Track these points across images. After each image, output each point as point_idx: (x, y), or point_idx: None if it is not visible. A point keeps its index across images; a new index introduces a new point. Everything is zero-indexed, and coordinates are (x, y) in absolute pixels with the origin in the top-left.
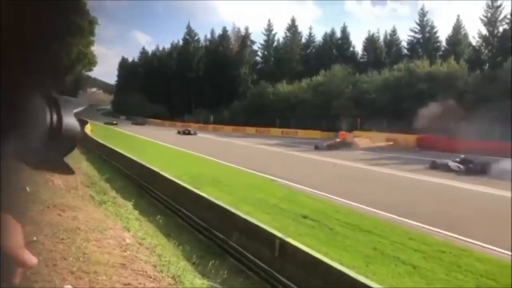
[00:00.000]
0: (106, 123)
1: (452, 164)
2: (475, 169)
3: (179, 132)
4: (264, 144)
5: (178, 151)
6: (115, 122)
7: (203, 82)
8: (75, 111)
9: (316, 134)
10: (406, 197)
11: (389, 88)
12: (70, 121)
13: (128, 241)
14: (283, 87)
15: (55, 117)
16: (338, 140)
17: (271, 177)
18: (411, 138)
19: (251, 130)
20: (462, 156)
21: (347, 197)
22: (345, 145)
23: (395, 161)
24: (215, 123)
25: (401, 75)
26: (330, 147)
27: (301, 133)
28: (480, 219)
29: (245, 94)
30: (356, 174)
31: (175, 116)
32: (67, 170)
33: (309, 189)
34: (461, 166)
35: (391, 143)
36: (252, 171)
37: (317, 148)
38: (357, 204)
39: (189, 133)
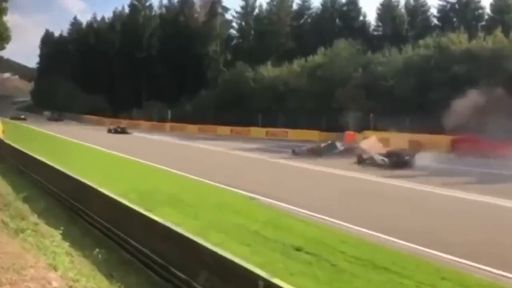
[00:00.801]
0: (12, 118)
1: (377, 157)
2: (399, 162)
3: (109, 131)
4: (241, 150)
5: (121, 159)
6: (22, 116)
7: (157, 64)
8: None
9: (313, 135)
10: (437, 221)
11: (413, 71)
12: None
13: (55, 284)
14: (268, 70)
15: None
16: (324, 144)
17: (251, 194)
18: (443, 140)
19: (224, 130)
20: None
21: (356, 222)
22: (345, 150)
23: (422, 171)
24: (175, 120)
25: (430, 53)
26: (313, 152)
27: (292, 134)
28: None
29: (216, 80)
30: (369, 189)
31: (119, 111)
32: None
33: (302, 210)
34: (386, 160)
35: (418, 147)
36: (226, 187)
37: (294, 153)
38: (370, 231)
39: (123, 132)
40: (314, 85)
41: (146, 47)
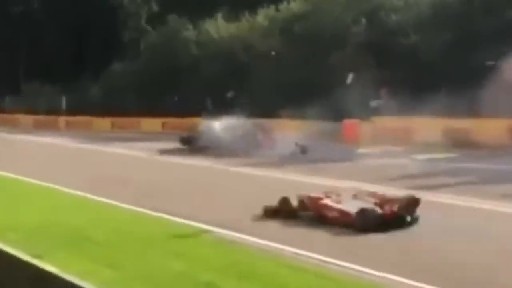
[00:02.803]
0: None
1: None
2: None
3: None
4: (185, 155)
5: None
6: None
7: (41, 24)
8: None
9: (293, 125)
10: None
11: (445, 18)
12: None
13: None
14: (218, 27)
15: None
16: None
17: (202, 226)
18: (496, 127)
19: (152, 124)
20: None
21: (371, 264)
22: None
23: (462, 177)
24: (74, 112)
25: None
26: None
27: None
28: None
29: (137, 46)
30: None
31: None
32: None
33: (287, 248)
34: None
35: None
36: (161, 214)
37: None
38: (386, 275)
39: None
40: (292, 48)
41: None
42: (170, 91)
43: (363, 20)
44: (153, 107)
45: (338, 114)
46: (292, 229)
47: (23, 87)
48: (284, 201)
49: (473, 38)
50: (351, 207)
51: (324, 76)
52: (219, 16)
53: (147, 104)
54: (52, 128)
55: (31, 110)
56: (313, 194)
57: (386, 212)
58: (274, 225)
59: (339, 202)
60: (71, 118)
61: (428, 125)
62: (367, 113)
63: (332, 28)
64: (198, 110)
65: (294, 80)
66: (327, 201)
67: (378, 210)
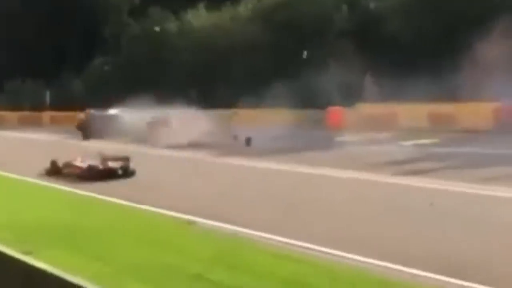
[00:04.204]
0: None
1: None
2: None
3: None
4: (163, 148)
5: None
6: None
7: (21, 21)
8: None
9: (281, 114)
10: None
11: (429, 4)
12: None
13: None
14: (200, 18)
15: None
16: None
17: (188, 216)
18: (479, 111)
19: None
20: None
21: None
22: None
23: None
24: (57, 107)
25: None
26: None
27: (250, 115)
28: None
29: (117, 39)
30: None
31: None
32: None
33: (272, 236)
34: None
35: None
36: (147, 207)
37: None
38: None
39: None
40: (274, 36)
41: None
42: (153, 83)
43: (344, 7)
44: (136, 98)
45: (322, 102)
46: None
47: (5, 85)
48: (53, 163)
49: (457, 22)
50: (85, 164)
51: (307, 64)
52: (201, 6)
53: (130, 97)
54: (37, 124)
55: (14, 107)
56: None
57: (105, 168)
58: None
59: (82, 162)
60: (55, 113)
61: (413, 111)
62: (351, 100)
63: (312, 15)
64: (179, 101)
65: (273, 69)
66: (75, 162)
67: (100, 166)
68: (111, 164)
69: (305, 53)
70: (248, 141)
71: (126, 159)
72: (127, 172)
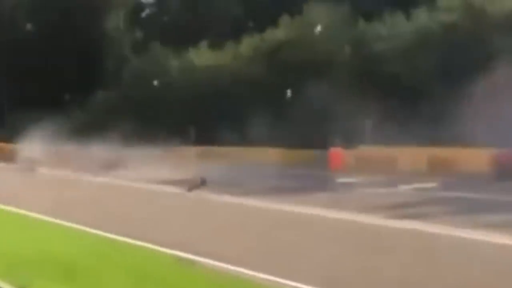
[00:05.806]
0: None
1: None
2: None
3: None
4: (159, 180)
5: None
6: None
7: (30, 51)
8: None
9: (274, 155)
10: None
11: (431, 48)
12: None
13: None
14: (201, 55)
15: None
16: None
17: (188, 256)
18: (478, 156)
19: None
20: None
21: None
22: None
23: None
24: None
25: (455, 19)
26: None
27: (250, 153)
28: None
29: (118, 74)
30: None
31: None
32: None
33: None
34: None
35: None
36: (144, 244)
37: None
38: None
39: None
40: (276, 75)
41: (8, 24)
42: (151, 117)
43: (347, 48)
44: (132, 133)
45: (323, 142)
46: None
47: (6, 119)
48: None
49: (454, 66)
50: None
51: (308, 103)
52: (204, 44)
53: (129, 131)
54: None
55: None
56: None
57: None
58: None
59: None
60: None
61: (413, 154)
62: (353, 141)
63: (314, 56)
64: (179, 138)
65: (274, 108)
66: None
67: None
68: None
69: (288, 92)
70: (203, 181)
71: None
72: None
